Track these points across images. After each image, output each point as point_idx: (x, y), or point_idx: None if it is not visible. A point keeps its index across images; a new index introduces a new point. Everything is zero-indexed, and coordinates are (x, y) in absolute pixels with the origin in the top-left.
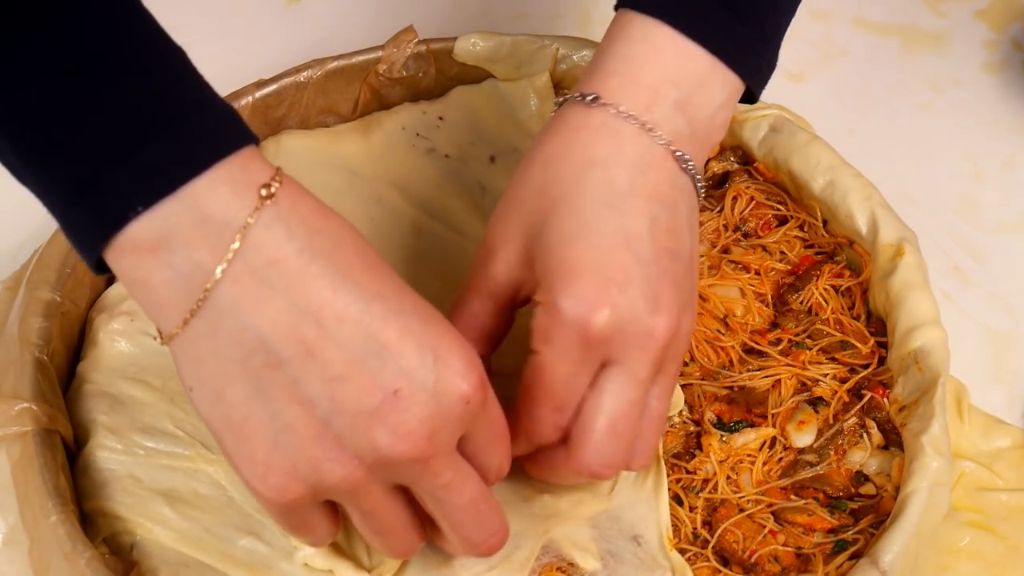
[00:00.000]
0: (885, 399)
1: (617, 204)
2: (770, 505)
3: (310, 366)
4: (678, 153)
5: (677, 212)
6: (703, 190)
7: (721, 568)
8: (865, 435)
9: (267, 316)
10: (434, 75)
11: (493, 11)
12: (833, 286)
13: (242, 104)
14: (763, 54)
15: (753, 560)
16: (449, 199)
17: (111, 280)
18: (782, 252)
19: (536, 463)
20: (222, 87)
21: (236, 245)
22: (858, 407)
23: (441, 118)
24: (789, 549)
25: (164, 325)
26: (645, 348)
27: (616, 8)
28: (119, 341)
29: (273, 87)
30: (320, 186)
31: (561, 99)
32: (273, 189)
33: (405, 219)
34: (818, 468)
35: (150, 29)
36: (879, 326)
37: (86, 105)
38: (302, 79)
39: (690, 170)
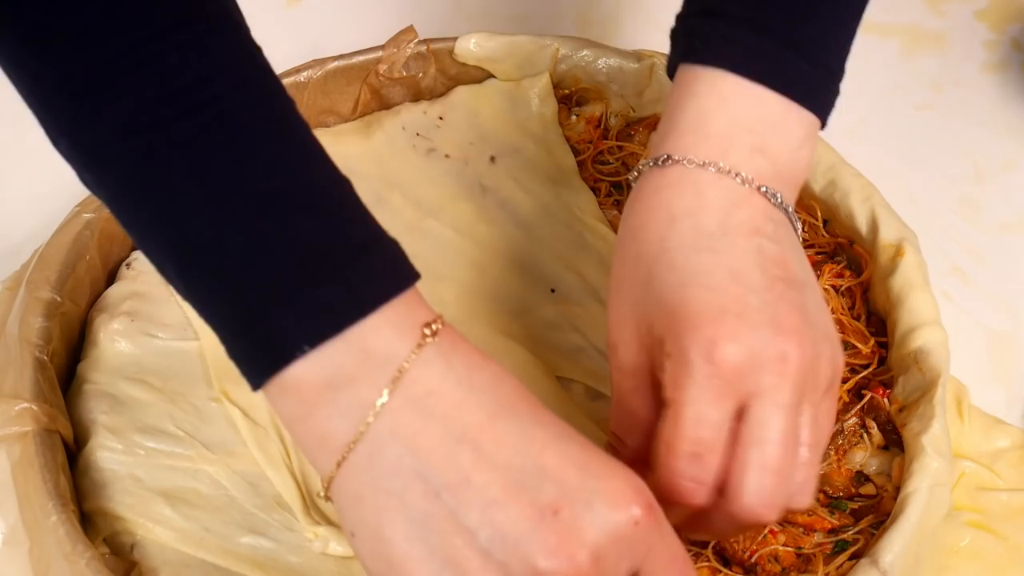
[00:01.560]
0: (885, 399)
1: (711, 246)
2: None
3: (468, 493)
4: (764, 189)
5: (780, 242)
6: (800, 227)
7: (721, 568)
8: (865, 435)
9: (424, 444)
10: (434, 75)
11: (493, 11)
12: (833, 286)
13: None
14: (830, 87)
15: (753, 560)
16: (449, 199)
17: (111, 280)
18: None
19: (695, 524)
20: None
21: (395, 378)
22: (858, 407)
23: (441, 118)
24: (789, 549)
25: (324, 463)
26: (782, 373)
27: (672, 66)
28: (119, 341)
29: None
30: None
31: (636, 170)
32: (435, 328)
33: (405, 219)
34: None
35: (319, 165)
36: (879, 326)
37: (255, 245)
38: (302, 79)
39: (781, 204)
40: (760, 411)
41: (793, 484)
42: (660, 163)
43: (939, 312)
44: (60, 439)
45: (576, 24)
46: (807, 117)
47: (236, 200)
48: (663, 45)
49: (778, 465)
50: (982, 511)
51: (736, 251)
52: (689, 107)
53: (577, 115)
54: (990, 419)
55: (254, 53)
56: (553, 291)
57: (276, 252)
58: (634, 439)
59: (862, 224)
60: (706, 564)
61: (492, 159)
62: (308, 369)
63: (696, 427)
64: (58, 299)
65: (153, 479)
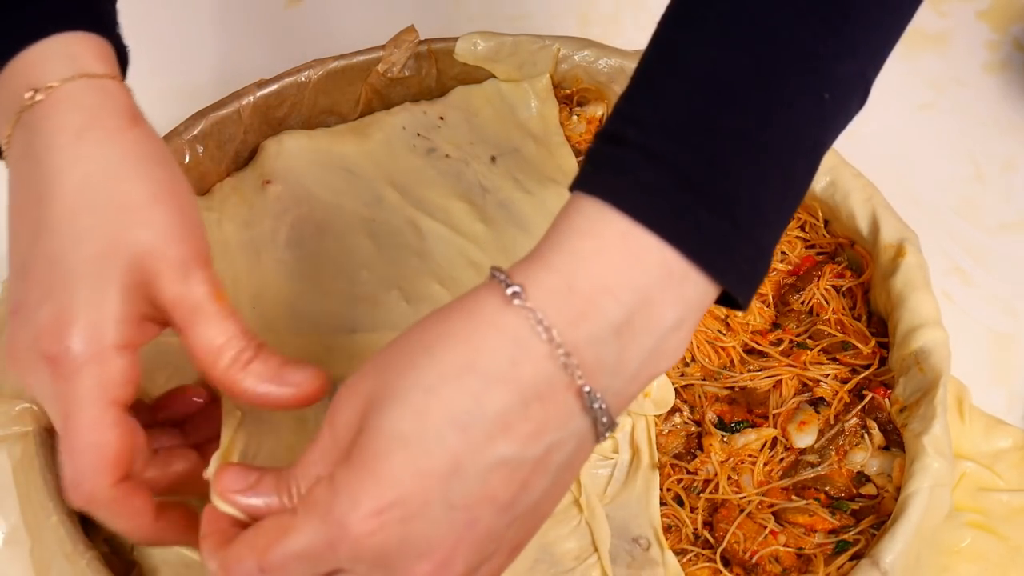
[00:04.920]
0: (886, 399)
1: (469, 427)
2: (771, 505)
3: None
4: (587, 389)
5: (544, 461)
6: (607, 434)
7: (722, 569)
8: (866, 436)
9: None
10: (435, 75)
11: (494, 11)
12: (834, 286)
13: (243, 104)
14: (736, 248)
15: (754, 561)
16: (449, 199)
17: None
18: (783, 252)
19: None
20: (222, 87)
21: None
22: (859, 407)
23: (442, 118)
24: (790, 550)
25: None
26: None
27: (571, 188)
28: None
29: (274, 87)
30: (320, 186)
31: (493, 272)
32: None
33: (405, 219)
34: (819, 469)
35: None
36: (880, 326)
37: None
38: (303, 79)
39: (594, 410)
40: None
41: None
42: (509, 293)
43: (940, 312)
44: None
45: (577, 24)
46: (695, 282)
47: None
48: None
49: None
50: (983, 512)
51: (480, 448)
52: (564, 239)
53: (578, 115)
54: (991, 419)
55: None
56: None
57: None
58: None
59: (863, 224)
60: (707, 564)
61: (492, 159)
62: None
63: (282, 555)
64: None
65: None
